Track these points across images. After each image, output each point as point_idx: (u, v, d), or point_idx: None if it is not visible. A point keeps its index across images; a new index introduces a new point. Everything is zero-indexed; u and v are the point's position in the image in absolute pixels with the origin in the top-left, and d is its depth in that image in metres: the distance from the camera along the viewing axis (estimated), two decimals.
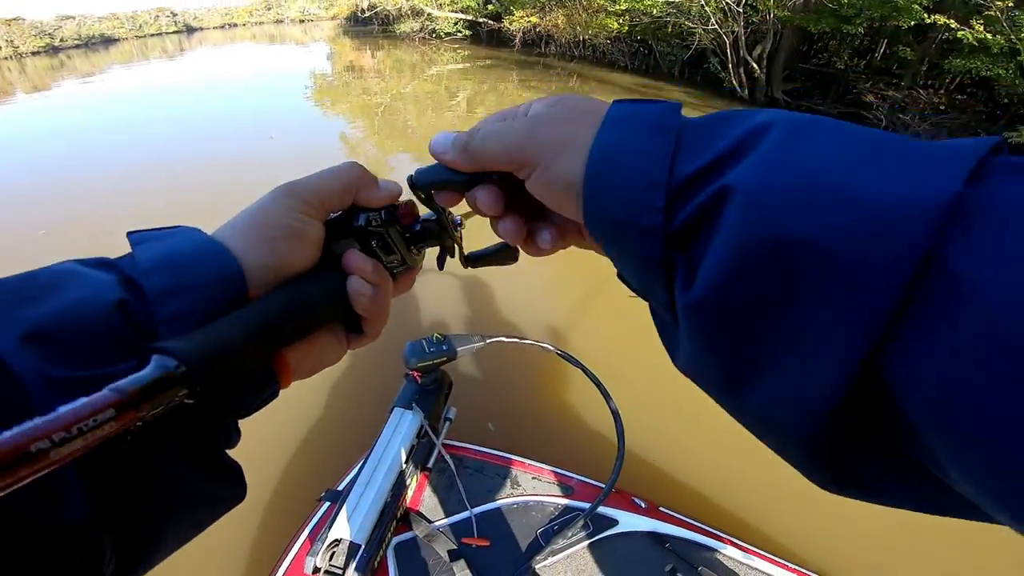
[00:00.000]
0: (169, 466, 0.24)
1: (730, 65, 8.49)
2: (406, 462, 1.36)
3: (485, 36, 14.00)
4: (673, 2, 8.12)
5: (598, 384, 1.55)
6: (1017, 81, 5.83)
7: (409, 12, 14.60)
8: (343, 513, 1.20)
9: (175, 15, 32.27)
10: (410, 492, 1.39)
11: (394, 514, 1.28)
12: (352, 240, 0.33)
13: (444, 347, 1.40)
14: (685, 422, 2.38)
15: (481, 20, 13.71)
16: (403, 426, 1.39)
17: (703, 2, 7.68)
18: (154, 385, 0.19)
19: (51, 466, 0.15)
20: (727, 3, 7.56)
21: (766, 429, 0.21)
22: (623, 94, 8.71)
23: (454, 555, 1.27)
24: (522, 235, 0.31)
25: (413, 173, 0.33)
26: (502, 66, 10.69)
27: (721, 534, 1.46)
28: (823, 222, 0.17)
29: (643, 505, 1.48)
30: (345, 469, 1.45)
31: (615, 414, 1.49)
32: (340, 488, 1.31)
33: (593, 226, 0.24)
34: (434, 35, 14.52)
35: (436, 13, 13.85)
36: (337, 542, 1.15)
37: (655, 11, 8.60)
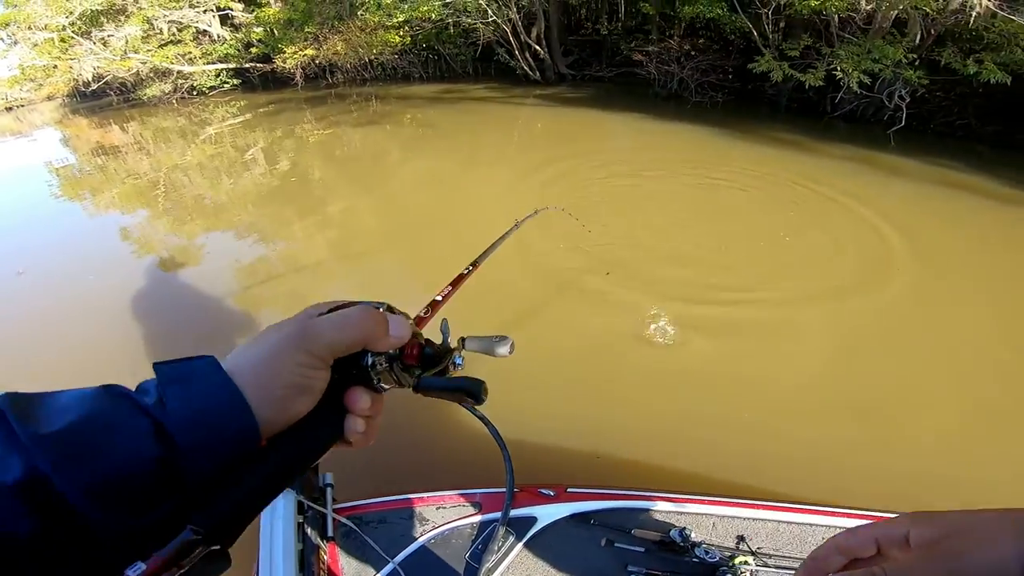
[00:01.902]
0: None
1: (517, 52, 9.57)
2: (300, 541, 1.40)
3: (259, 81, 13.48)
4: (449, 3, 8.84)
5: (457, 400, 1.64)
6: (733, 17, 7.64)
7: (152, 74, 13.35)
8: None
9: None
10: (324, 566, 1.42)
11: None
12: (355, 377, 0.39)
13: None
14: (550, 400, 2.71)
15: (248, 66, 13.19)
16: (277, 511, 1.42)
17: None
18: (185, 550, 0.29)
19: None
20: None
21: None
22: (427, 106, 9.28)
23: None
24: None
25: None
26: (290, 108, 10.47)
27: (636, 492, 1.61)
28: None
29: (552, 493, 1.61)
30: (251, 567, 1.45)
31: (482, 419, 1.63)
32: None
33: None
34: (195, 92, 13.49)
35: (188, 69, 12.92)
36: None
37: (434, 15, 9.24)
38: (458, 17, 9.23)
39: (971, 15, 5.50)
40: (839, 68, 6.62)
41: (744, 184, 5.37)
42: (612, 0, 9.91)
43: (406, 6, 9.17)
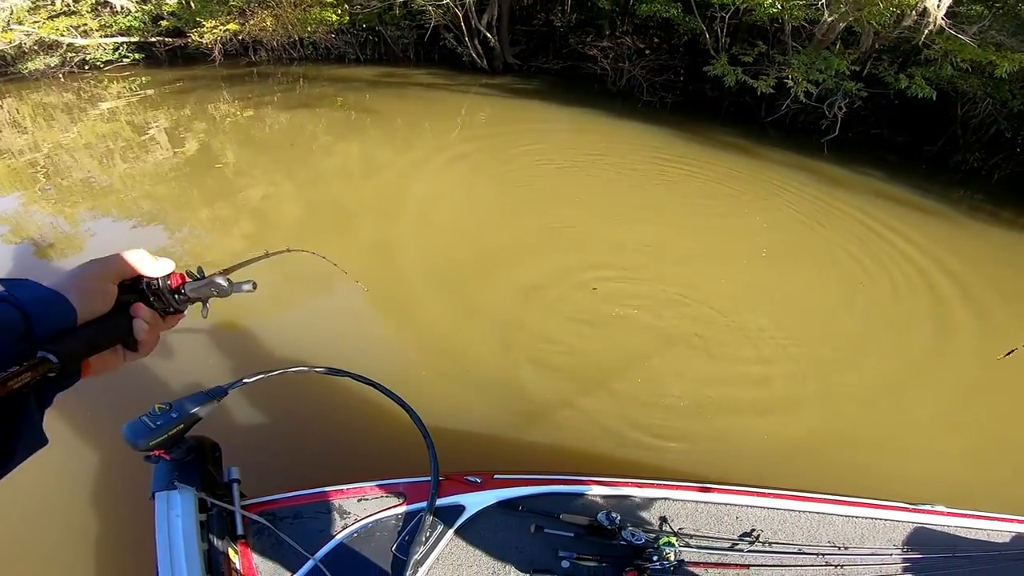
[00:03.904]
0: (30, 402, 0.52)
1: (466, 38, 9.70)
2: (204, 540, 1.37)
3: (166, 56, 12.90)
4: None
5: (374, 384, 1.71)
6: (687, 18, 8.12)
7: (37, 47, 12.48)
8: None
9: None
10: (236, 566, 1.40)
11: None
12: (136, 296, 0.66)
13: (173, 415, 1.40)
14: (472, 387, 2.85)
15: (154, 40, 12.58)
16: (175, 508, 1.40)
17: None
18: (42, 363, 0.51)
19: (9, 391, 0.46)
20: None
21: None
22: (364, 89, 9.22)
23: None
24: None
25: None
26: (202, 86, 10.08)
27: (563, 477, 1.71)
28: None
29: (479, 481, 1.68)
30: (151, 571, 1.41)
31: (403, 405, 1.68)
32: None
33: None
34: (87, 67, 12.72)
35: (81, 42, 12.17)
36: None
37: None
38: None
39: (924, 31, 6.13)
40: (790, 76, 7.16)
41: (711, 189, 5.71)
42: None
43: None
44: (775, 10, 6.85)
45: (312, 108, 8.27)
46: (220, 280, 0.70)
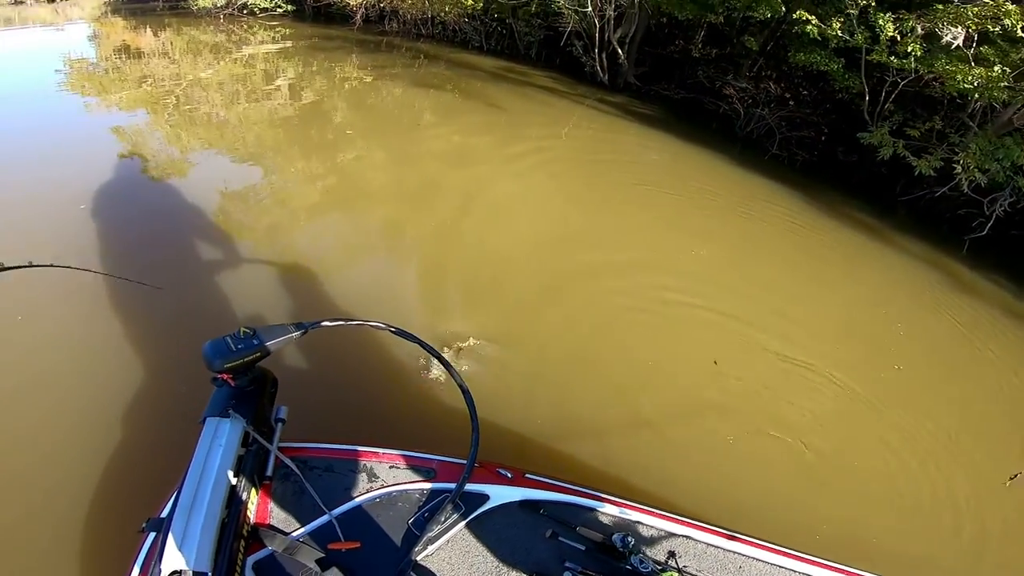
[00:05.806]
0: None
1: (595, 49, 9.61)
2: (236, 475, 1.38)
3: (311, 12, 13.97)
4: None
5: (440, 359, 1.78)
6: (846, 75, 7.46)
7: None
8: (171, 542, 1.20)
9: None
10: (252, 506, 1.42)
11: (238, 533, 1.31)
12: None
13: (255, 341, 1.45)
14: (537, 387, 2.81)
15: None
16: (221, 437, 1.42)
17: None
18: None
19: None
20: None
21: None
22: (484, 78, 9.37)
23: (324, 564, 1.34)
24: None
25: None
26: (335, 46, 10.78)
27: (588, 490, 1.71)
28: None
29: (509, 475, 1.69)
30: (167, 493, 1.45)
31: (462, 388, 1.72)
32: (164, 515, 1.31)
33: None
34: (245, 11, 14.02)
35: None
36: (178, 574, 1.16)
37: None
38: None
39: None
40: (961, 161, 6.24)
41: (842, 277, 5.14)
42: (713, 23, 9.78)
43: None
44: (970, 87, 5.96)
45: (427, 87, 8.57)
46: None
